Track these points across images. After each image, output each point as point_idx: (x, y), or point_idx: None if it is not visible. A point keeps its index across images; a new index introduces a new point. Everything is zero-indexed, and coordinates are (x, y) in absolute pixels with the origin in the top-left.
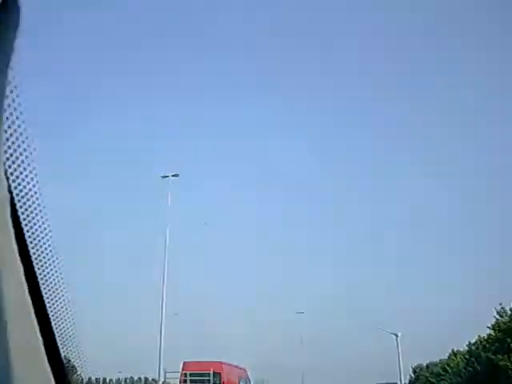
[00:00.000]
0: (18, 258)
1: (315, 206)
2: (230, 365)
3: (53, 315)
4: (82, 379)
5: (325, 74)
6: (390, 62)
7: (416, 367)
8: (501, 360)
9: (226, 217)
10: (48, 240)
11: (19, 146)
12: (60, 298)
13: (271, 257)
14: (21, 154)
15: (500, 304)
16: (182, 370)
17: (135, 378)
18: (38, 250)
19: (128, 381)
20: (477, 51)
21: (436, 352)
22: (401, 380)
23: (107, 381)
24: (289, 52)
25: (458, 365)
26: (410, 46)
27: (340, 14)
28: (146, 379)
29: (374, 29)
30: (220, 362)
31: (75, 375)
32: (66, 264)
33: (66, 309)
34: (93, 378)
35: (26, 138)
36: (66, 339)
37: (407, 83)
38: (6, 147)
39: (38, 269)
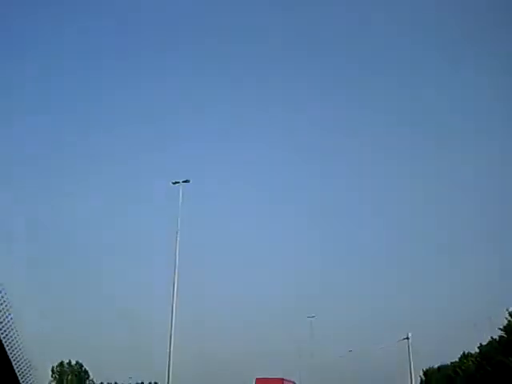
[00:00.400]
0: None
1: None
2: (288, 380)
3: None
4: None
5: None
6: None
7: (427, 370)
8: None
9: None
10: None
11: None
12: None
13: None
14: None
15: None
16: None
17: (145, 383)
18: None
19: None
20: None
21: (447, 354)
22: (412, 382)
23: None
24: None
25: (469, 367)
26: None
27: None
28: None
29: None
30: (282, 379)
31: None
32: None
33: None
34: (105, 383)
35: None
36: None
37: None
38: None
39: None
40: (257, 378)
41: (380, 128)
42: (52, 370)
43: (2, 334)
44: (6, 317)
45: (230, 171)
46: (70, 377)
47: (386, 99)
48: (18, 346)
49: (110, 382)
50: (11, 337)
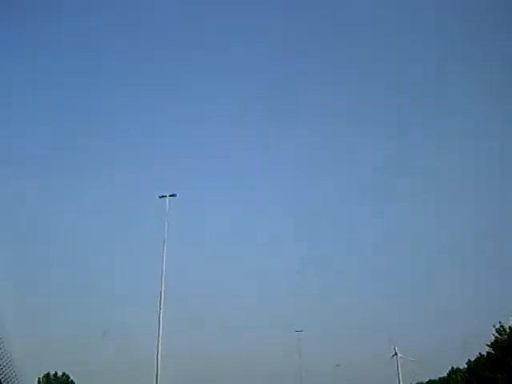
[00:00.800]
0: None
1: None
2: None
3: None
4: None
5: None
6: None
7: None
8: (500, 378)
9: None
10: None
11: None
12: None
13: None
14: None
15: (500, 322)
16: None
17: None
18: None
19: None
20: None
21: (435, 369)
22: None
23: None
24: None
25: (457, 383)
26: None
27: None
28: None
29: None
30: None
31: None
32: None
33: None
34: None
35: None
36: None
37: None
38: None
39: None
40: None
41: (380, 128)
42: (38, 382)
43: None
44: None
45: (229, 171)
46: None
47: (385, 99)
48: (4, 356)
49: None
50: None
